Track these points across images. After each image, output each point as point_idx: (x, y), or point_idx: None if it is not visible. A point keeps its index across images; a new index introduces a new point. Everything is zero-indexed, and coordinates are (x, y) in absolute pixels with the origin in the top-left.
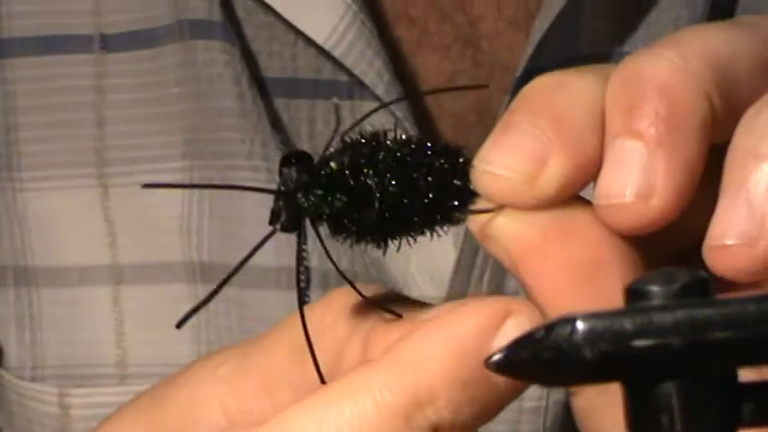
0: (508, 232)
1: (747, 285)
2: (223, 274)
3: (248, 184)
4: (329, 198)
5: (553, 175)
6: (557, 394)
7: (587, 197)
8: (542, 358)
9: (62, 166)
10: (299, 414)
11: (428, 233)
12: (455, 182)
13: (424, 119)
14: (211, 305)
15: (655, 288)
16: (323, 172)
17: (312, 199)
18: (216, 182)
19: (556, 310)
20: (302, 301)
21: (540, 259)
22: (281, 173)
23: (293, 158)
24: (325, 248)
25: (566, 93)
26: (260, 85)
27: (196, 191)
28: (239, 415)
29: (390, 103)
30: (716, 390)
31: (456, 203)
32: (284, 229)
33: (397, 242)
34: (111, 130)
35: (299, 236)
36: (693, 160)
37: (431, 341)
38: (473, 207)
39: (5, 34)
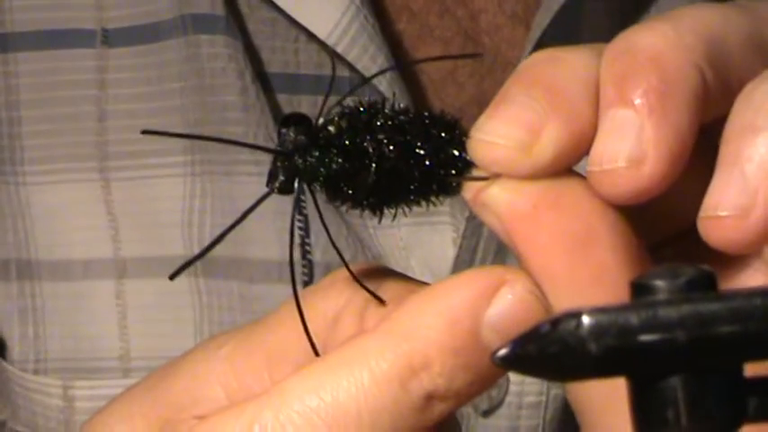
0: (501, 201)
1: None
2: (225, 268)
3: (251, 178)
4: (326, 161)
5: (548, 143)
6: (557, 389)
7: (582, 172)
8: (548, 352)
9: (64, 160)
10: (297, 385)
11: (423, 202)
12: (451, 151)
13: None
14: (215, 300)
15: (660, 283)
16: (321, 134)
17: (310, 161)
18: (219, 177)
19: (547, 279)
20: (294, 269)
21: (531, 228)
22: (279, 134)
23: (292, 120)
24: (321, 217)
25: (560, 66)
26: (263, 80)
27: (198, 186)
28: (241, 392)
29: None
30: (721, 384)
31: (452, 172)
32: (281, 191)
33: (392, 210)
34: (113, 124)
35: (295, 199)
36: (685, 130)
37: (425, 309)
38: (468, 176)
39: (8, 29)
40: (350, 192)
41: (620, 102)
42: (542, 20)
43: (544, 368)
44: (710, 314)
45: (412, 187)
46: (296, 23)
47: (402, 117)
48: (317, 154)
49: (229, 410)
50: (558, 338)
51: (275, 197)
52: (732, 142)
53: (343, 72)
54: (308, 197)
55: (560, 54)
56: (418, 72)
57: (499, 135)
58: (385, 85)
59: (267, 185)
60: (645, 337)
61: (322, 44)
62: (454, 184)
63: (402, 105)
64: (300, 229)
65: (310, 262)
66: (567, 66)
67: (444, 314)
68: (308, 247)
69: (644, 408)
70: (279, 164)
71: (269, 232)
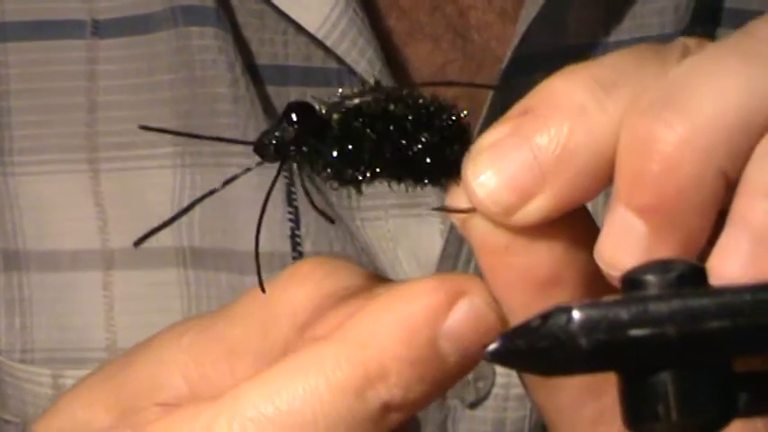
0: (479, 232)
1: None
2: (213, 260)
3: (241, 170)
4: (325, 150)
5: (533, 211)
6: None
7: None
8: (538, 347)
9: (54, 151)
10: (252, 390)
11: (408, 188)
12: (448, 155)
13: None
14: (203, 291)
15: (651, 277)
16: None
17: (305, 150)
18: (209, 169)
19: (504, 307)
20: (259, 255)
21: (500, 265)
22: (284, 120)
23: (297, 108)
24: (308, 194)
25: (582, 123)
26: (252, 71)
27: (187, 178)
28: (200, 381)
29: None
30: (711, 379)
31: (445, 173)
32: (268, 157)
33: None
34: (102, 115)
35: (281, 167)
36: (697, 235)
37: (382, 319)
38: (449, 208)
39: None
40: (342, 177)
41: (630, 205)
42: (528, 14)
43: (534, 363)
44: (701, 309)
45: (400, 177)
46: (284, 16)
47: (407, 105)
48: (313, 143)
49: (185, 412)
50: (549, 333)
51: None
52: (742, 204)
53: (330, 64)
54: (298, 189)
55: (588, 104)
56: (409, 68)
57: (488, 192)
58: (373, 79)
59: (255, 151)
60: (635, 332)
61: (310, 36)
62: (443, 184)
63: (407, 92)
64: (291, 221)
65: (300, 254)
66: (589, 125)
67: (402, 324)
68: (297, 239)
69: (634, 402)
70: (272, 137)
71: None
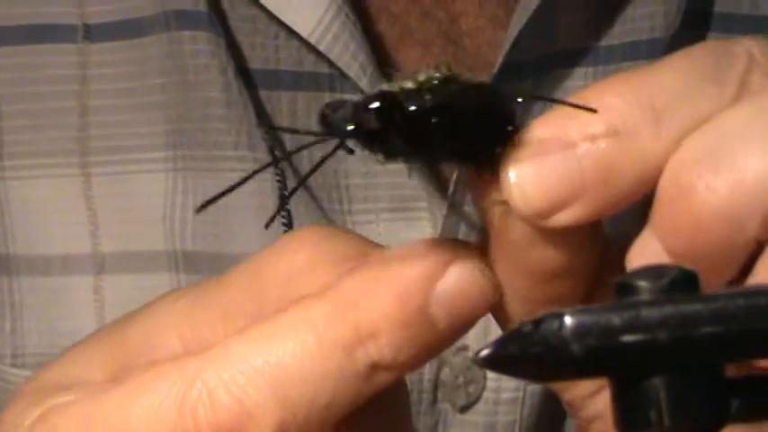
0: (504, 224)
1: None
2: (206, 264)
3: (234, 174)
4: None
5: (565, 218)
6: (533, 385)
7: None
8: (530, 353)
9: (45, 155)
10: (242, 343)
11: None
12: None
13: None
14: None
15: (643, 283)
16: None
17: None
18: (201, 173)
19: (507, 290)
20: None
21: (516, 256)
22: (361, 109)
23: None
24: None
25: (632, 149)
26: (245, 76)
27: (180, 181)
28: (195, 342)
29: None
30: (704, 385)
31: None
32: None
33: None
34: (94, 119)
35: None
36: (723, 275)
37: (375, 279)
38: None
39: None
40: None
41: (661, 241)
42: (519, 20)
43: (526, 369)
44: (693, 315)
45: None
46: (275, 20)
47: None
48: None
49: (176, 361)
50: (541, 339)
51: (258, 194)
52: None
53: (322, 69)
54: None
55: (642, 131)
56: (399, 71)
57: (524, 196)
58: (365, 82)
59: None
60: (627, 338)
61: (302, 41)
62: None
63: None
64: (284, 225)
65: None
66: (637, 152)
67: (395, 286)
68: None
69: (626, 408)
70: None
71: (251, 228)
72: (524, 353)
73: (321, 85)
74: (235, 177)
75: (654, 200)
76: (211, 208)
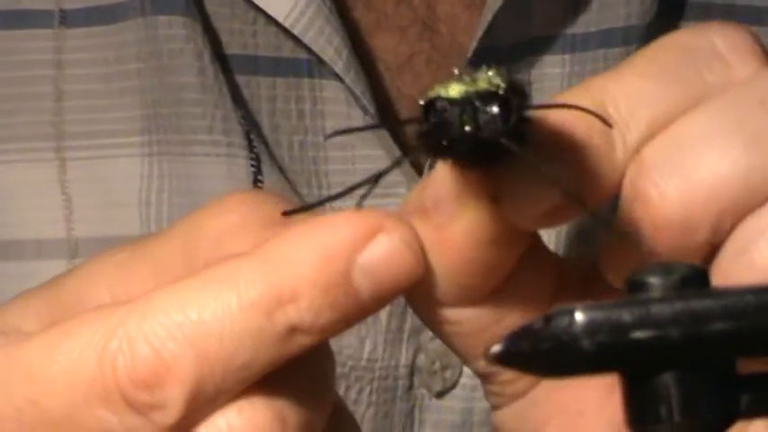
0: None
1: None
2: None
3: (209, 158)
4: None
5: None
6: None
7: None
8: (541, 349)
9: (20, 140)
10: (165, 296)
11: None
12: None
13: (382, 99)
14: None
15: (654, 279)
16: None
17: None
18: (176, 157)
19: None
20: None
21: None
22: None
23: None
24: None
25: (606, 158)
26: (222, 61)
27: (155, 166)
28: (125, 297)
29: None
30: (714, 381)
31: None
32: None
33: None
34: (69, 104)
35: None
36: None
37: (300, 243)
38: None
39: None
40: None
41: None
42: (493, 4)
43: (538, 365)
44: (703, 311)
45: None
46: (253, 6)
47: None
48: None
49: (99, 311)
50: (551, 335)
51: (233, 179)
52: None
53: (300, 54)
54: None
55: (612, 140)
56: (375, 58)
57: (520, 214)
58: (340, 66)
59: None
60: (638, 334)
61: (280, 26)
62: None
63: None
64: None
65: None
66: (609, 159)
67: (319, 251)
68: None
69: (637, 404)
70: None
71: None
72: (535, 349)
73: (300, 71)
74: (209, 162)
75: (620, 198)
76: (185, 192)
